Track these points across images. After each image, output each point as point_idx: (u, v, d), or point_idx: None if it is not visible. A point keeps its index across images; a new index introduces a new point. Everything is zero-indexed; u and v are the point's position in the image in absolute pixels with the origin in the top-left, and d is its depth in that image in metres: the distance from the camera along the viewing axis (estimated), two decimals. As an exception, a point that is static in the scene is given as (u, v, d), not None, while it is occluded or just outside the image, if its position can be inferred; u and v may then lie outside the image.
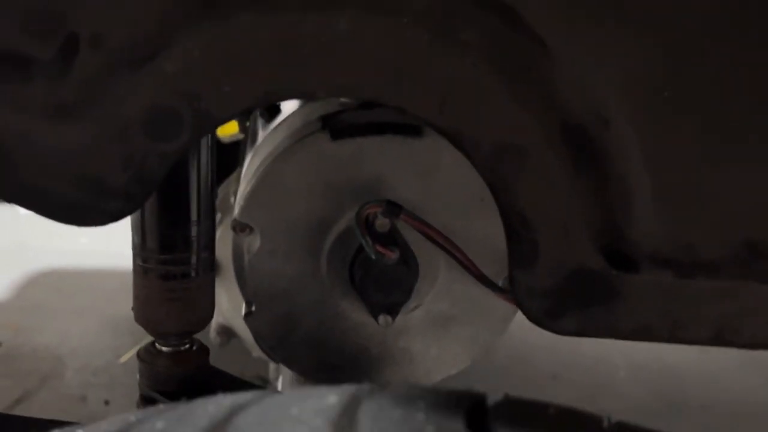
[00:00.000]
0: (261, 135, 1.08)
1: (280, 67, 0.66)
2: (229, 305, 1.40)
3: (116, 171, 0.68)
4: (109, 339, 1.98)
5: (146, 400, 0.84)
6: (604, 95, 0.67)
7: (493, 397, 0.42)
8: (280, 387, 1.14)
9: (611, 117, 0.68)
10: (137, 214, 0.79)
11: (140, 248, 0.80)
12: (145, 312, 0.83)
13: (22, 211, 2.36)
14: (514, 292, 0.78)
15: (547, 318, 0.77)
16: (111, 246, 2.53)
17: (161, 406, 0.45)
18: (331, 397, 0.40)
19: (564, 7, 0.64)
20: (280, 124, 0.99)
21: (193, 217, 0.79)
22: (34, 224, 2.88)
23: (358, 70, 0.67)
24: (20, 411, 1.67)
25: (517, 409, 0.42)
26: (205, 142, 0.79)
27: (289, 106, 1.04)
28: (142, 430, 0.40)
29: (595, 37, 0.65)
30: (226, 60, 0.66)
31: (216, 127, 0.70)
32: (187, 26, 0.65)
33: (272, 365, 1.47)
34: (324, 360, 0.97)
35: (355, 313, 0.94)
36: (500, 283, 0.93)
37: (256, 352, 1.44)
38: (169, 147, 0.68)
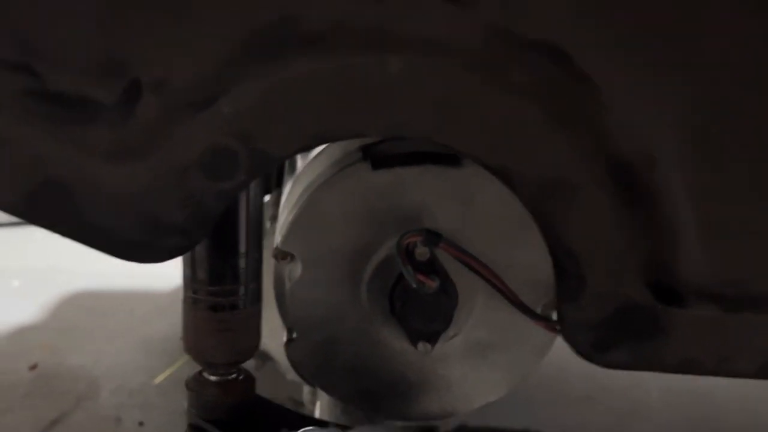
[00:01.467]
0: (300, 163, 1.10)
1: (333, 109, 0.68)
2: (265, 330, 1.41)
3: (175, 210, 0.70)
4: (143, 360, 1.99)
5: (194, 429, 0.85)
6: (652, 135, 0.68)
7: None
8: (317, 412, 1.15)
9: (659, 156, 0.69)
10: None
11: (190, 280, 0.82)
12: (194, 342, 0.84)
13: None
14: (561, 326, 0.78)
15: (594, 351, 0.77)
16: (143, 268, 2.56)
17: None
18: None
19: (615, 49, 0.65)
20: (320, 153, 1.01)
21: (242, 249, 0.81)
22: (67, 246, 2.91)
23: (409, 111, 0.69)
24: (56, 431, 1.69)
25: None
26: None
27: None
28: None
29: (645, 78, 0.66)
30: (281, 103, 0.67)
31: (272, 166, 0.72)
32: (245, 71, 0.67)
33: (306, 388, 1.48)
34: (363, 387, 0.98)
35: (395, 340, 0.95)
36: (539, 311, 0.93)
37: (291, 375, 1.45)
38: (226, 186, 0.70)
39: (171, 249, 0.72)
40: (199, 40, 0.65)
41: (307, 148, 0.73)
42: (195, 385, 0.85)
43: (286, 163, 1.24)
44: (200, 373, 0.86)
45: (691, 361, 0.76)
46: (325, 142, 0.73)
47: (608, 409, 1.91)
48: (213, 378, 0.85)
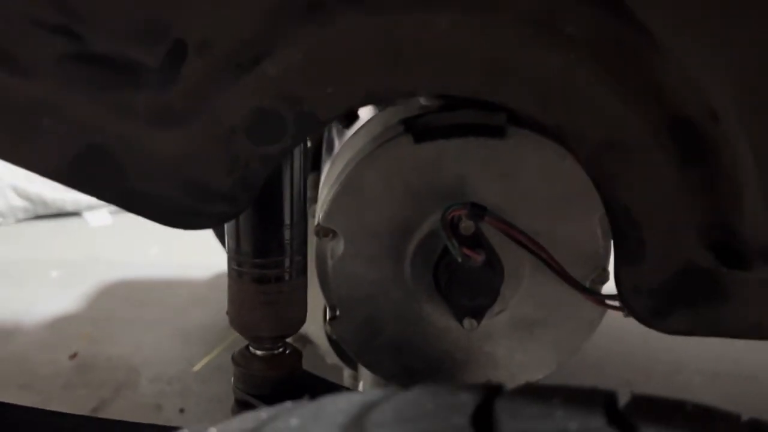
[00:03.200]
0: (338, 142, 1.08)
1: (381, 67, 0.66)
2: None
3: (221, 175, 0.69)
4: (182, 348, 2.00)
5: (240, 404, 0.84)
6: (713, 88, 0.66)
7: (623, 395, 0.41)
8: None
9: (720, 111, 0.66)
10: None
11: (235, 252, 0.81)
12: (240, 316, 0.83)
13: (94, 225, 2.43)
14: (619, 291, 0.76)
15: (654, 317, 0.75)
16: (180, 257, 2.58)
17: (289, 404, 0.45)
18: (464, 394, 0.40)
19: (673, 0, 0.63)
20: (359, 129, 0.99)
21: (287, 220, 0.80)
22: (105, 237, 2.94)
23: (459, 68, 0.67)
24: (98, 420, 1.70)
25: (654, 406, 0.41)
26: (298, 146, 0.79)
27: (366, 112, 1.05)
28: (277, 428, 0.40)
29: (705, 30, 0.64)
30: (328, 62, 0.66)
31: (319, 128, 0.71)
32: (290, 30, 0.65)
33: (347, 372, 1.47)
34: (407, 365, 0.97)
35: (439, 317, 0.94)
36: (587, 285, 0.91)
37: (331, 358, 1.44)
38: (273, 150, 0.68)
39: (217, 215, 0.71)
40: None
41: (355, 109, 0.71)
42: (241, 359, 0.85)
43: (324, 144, 1.23)
44: (246, 347, 0.86)
45: (756, 326, 0.73)
46: (373, 103, 0.71)
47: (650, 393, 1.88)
48: (259, 352, 0.84)
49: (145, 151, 0.68)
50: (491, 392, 0.41)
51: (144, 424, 0.83)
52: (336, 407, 0.41)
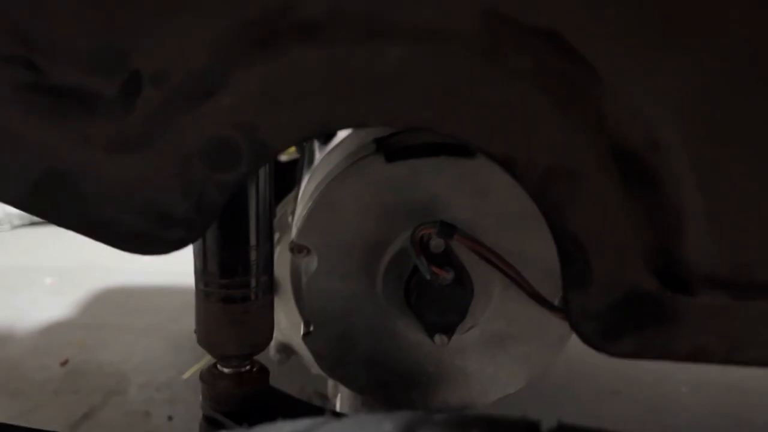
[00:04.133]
0: (317, 156, 1.10)
1: (333, 98, 0.68)
2: (287, 323, 1.42)
3: (177, 201, 0.70)
4: (172, 356, 2.02)
5: (208, 421, 0.86)
6: (654, 119, 0.67)
7: (547, 424, 0.42)
8: (338, 404, 1.16)
9: (663, 141, 0.68)
10: (198, 240, 0.81)
11: (202, 273, 0.82)
12: (207, 335, 0.85)
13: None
14: (568, 314, 0.77)
15: (601, 340, 0.76)
16: (173, 265, 2.59)
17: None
18: (387, 424, 0.41)
19: (613, 32, 0.64)
20: (335, 146, 1.01)
21: (252, 241, 0.81)
22: (98, 244, 2.96)
23: (408, 100, 0.68)
24: (86, 426, 1.72)
25: (572, 437, 0.42)
26: (263, 168, 0.80)
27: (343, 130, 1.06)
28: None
29: (646, 62, 0.65)
30: (281, 92, 0.67)
31: (273, 157, 0.72)
32: (243, 62, 0.67)
33: (331, 382, 1.48)
34: (381, 379, 0.98)
35: (412, 332, 0.95)
36: (556, 302, 0.93)
37: (315, 369, 1.46)
38: (228, 177, 0.70)
39: (175, 241, 0.72)
40: (197, 30, 0.65)
41: (309, 138, 0.72)
42: (209, 377, 0.86)
43: (306, 158, 1.24)
44: (214, 365, 0.87)
45: (701, 350, 0.74)
46: (326, 132, 0.73)
47: (637, 404, 1.89)
48: (226, 370, 0.86)
49: (103, 178, 0.70)
50: (414, 422, 0.42)
51: None
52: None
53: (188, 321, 2.28)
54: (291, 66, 0.67)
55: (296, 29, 0.66)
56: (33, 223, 3.06)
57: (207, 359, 1.66)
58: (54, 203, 0.70)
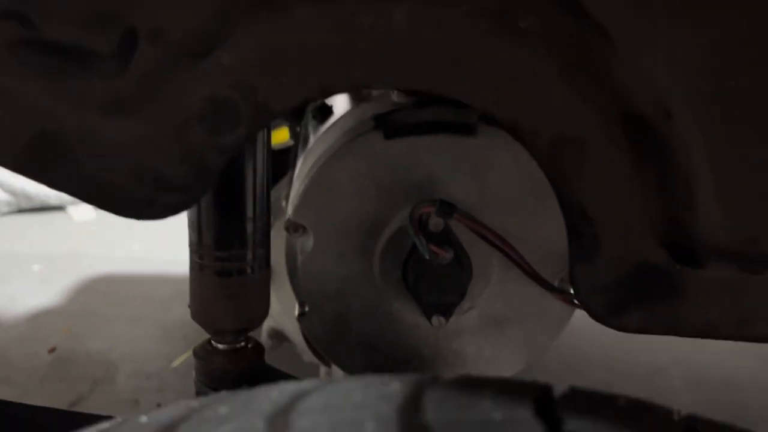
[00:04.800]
0: (312, 138, 1.08)
1: (336, 59, 0.66)
2: (280, 309, 1.41)
3: (174, 164, 0.69)
4: (161, 345, 2.00)
5: (202, 398, 0.84)
6: (667, 86, 0.66)
7: (559, 388, 0.41)
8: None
9: (674, 108, 0.66)
10: (194, 211, 0.79)
11: (197, 245, 0.80)
12: (201, 309, 0.83)
13: (76, 219, 2.42)
14: (575, 288, 0.76)
15: (608, 314, 0.75)
16: (163, 253, 2.57)
17: (223, 393, 0.45)
18: (395, 384, 0.40)
19: None
20: (332, 124, 0.99)
21: (249, 214, 0.79)
22: (88, 232, 2.94)
23: (414, 62, 0.67)
24: (74, 414, 1.69)
25: (586, 399, 0.40)
26: (260, 140, 0.79)
27: (341, 107, 1.04)
28: (205, 416, 0.40)
29: (660, 29, 0.64)
30: (282, 52, 0.66)
31: (273, 118, 0.70)
32: (244, 19, 0.65)
33: (323, 369, 1.47)
34: (376, 361, 0.97)
35: (408, 314, 0.93)
36: (555, 284, 0.91)
37: (307, 355, 1.44)
38: (227, 140, 0.68)
39: (171, 205, 0.70)
40: None
41: (310, 100, 0.71)
42: (203, 353, 0.84)
43: (300, 140, 1.23)
44: (208, 341, 0.85)
45: (709, 324, 0.73)
46: (328, 95, 0.71)
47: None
48: (221, 346, 0.84)
49: (98, 139, 0.68)
50: (423, 383, 0.41)
51: (74, 412, 0.82)
52: (267, 396, 0.41)
53: (177, 310, 2.26)
54: (294, 25, 0.65)
55: None
56: (21, 210, 3.03)
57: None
58: (47, 165, 0.69)
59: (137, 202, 0.70)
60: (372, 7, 0.65)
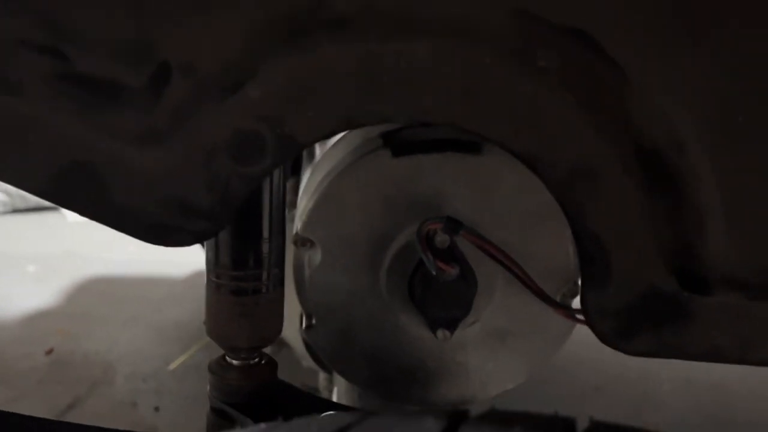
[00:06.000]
0: (319, 152, 1.10)
1: (361, 94, 0.68)
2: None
3: (201, 193, 0.70)
4: (158, 346, 2.01)
5: (216, 412, 0.85)
6: (679, 120, 0.68)
7: (582, 422, 0.43)
8: (334, 398, 1.16)
9: (686, 141, 0.69)
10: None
11: (213, 264, 0.82)
12: (217, 327, 0.84)
13: (71, 220, 2.42)
14: (585, 312, 0.78)
15: (617, 338, 0.77)
16: (158, 255, 2.58)
17: (262, 425, 0.47)
18: (429, 420, 0.42)
19: (641, 33, 0.65)
20: (339, 140, 1.01)
21: (265, 234, 0.81)
22: (83, 233, 2.94)
23: (436, 97, 0.68)
24: (72, 416, 1.70)
25: (609, 432, 0.42)
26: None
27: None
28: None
29: (671, 63, 0.66)
30: (309, 87, 0.67)
31: (299, 151, 0.72)
32: (273, 55, 0.66)
33: (322, 375, 1.49)
34: (381, 373, 0.99)
35: (413, 327, 0.95)
36: (558, 299, 0.94)
37: (306, 361, 1.46)
38: (253, 170, 0.70)
39: (198, 233, 0.72)
40: (227, 22, 0.65)
41: (334, 133, 0.72)
42: (217, 369, 0.86)
43: (305, 151, 1.24)
44: (223, 357, 0.87)
45: (715, 349, 0.76)
46: (352, 128, 0.73)
47: (619, 400, 1.91)
48: (235, 362, 0.85)
49: (128, 169, 0.69)
50: (456, 418, 0.43)
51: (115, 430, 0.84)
52: (308, 430, 0.43)
53: (172, 311, 2.28)
54: (320, 60, 0.67)
55: (327, 24, 0.66)
56: (15, 210, 3.03)
57: (194, 350, 1.65)
58: (77, 193, 0.70)
59: (165, 229, 0.72)
60: (395, 42, 0.66)
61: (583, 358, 2.00)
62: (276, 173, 0.81)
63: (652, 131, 0.69)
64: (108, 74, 0.66)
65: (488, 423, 0.42)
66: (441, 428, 0.41)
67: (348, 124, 0.70)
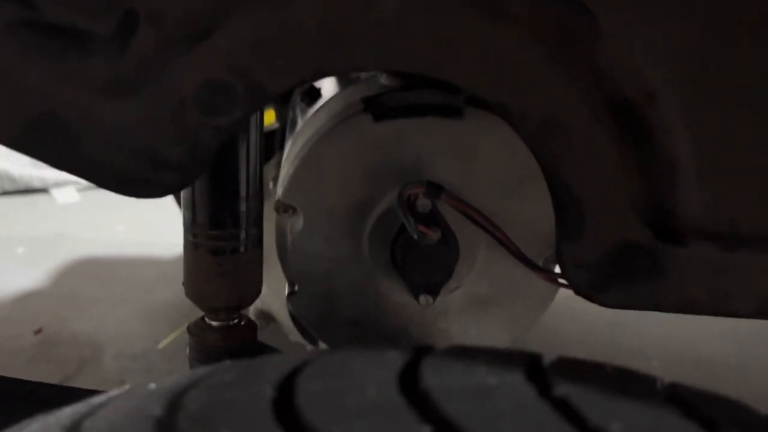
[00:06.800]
0: (300, 119, 1.10)
1: (331, 42, 0.68)
2: (267, 290, 1.42)
3: (170, 145, 0.70)
4: (147, 326, 2.00)
5: (195, 374, 0.85)
6: (650, 69, 0.68)
7: (548, 357, 0.43)
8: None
9: (657, 91, 0.68)
10: (188, 190, 0.81)
11: (191, 224, 0.82)
12: (195, 286, 0.84)
13: (60, 201, 2.41)
14: (561, 266, 0.78)
15: (593, 291, 0.78)
16: (147, 236, 2.57)
17: (227, 362, 0.47)
18: (392, 353, 0.42)
19: None
20: (321, 107, 1.01)
21: (242, 193, 0.81)
22: (72, 214, 2.92)
23: (406, 45, 0.68)
24: (61, 395, 1.70)
25: (574, 367, 0.42)
26: (254, 121, 0.80)
27: (329, 90, 1.06)
28: (212, 383, 0.42)
29: (645, 14, 0.66)
30: (278, 36, 0.67)
31: (268, 101, 0.72)
32: (240, 3, 0.66)
33: (309, 348, 1.49)
34: (363, 339, 0.99)
35: (396, 293, 0.95)
36: (540, 264, 0.94)
37: (293, 336, 1.46)
38: (222, 121, 0.69)
39: (167, 185, 0.72)
40: None
41: (304, 82, 0.72)
42: (196, 330, 0.86)
43: (288, 123, 1.24)
44: (202, 318, 0.87)
45: (689, 301, 0.76)
46: (323, 77, 0.72)
47: (609, 377, 1.92)
48: (214, 323, 0.85)
49: (97, 120, 0.69)
50: (419, 352, 0.43)
51: (103, 391, 0.84)
52: (271, 364, 0.43)
53: (162, 292, 2.27)
54: (288, 7, 0.66)
55: None
56: (4, 193, 3.02)
57: (183, 329, 1.64)
58: (47, 144, 0.70)
59: (135, 181, 0.71)
60: None
61: (573, 337, 2.01)
62: (252, 131, 0.80)
63: (624, 82, 0.69)
64: (74, 23, 0.66)
65: (451, 355, 0.42)
66: (404, 362, 0.41)
67: (318, 74, 0.70)
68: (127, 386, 0.47)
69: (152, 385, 0.43)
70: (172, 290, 2.18)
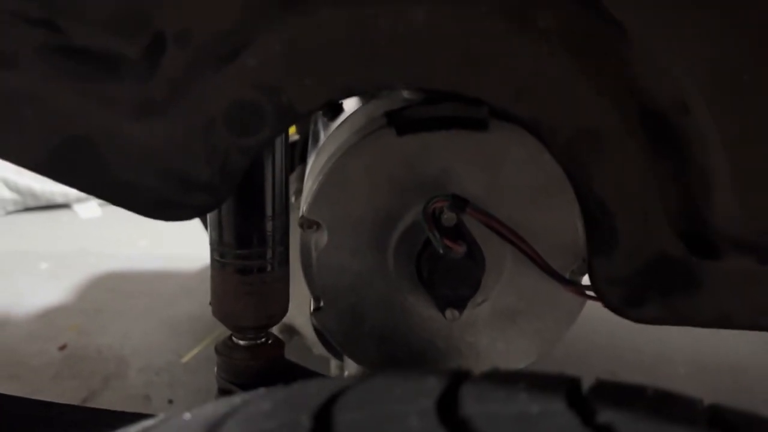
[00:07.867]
0: (323, 134, 1.09)
1: (359, 60, 0.67)
2: (291, 304, 1.42)
3: (200, 165, 0.70)
4: (170, 340, 2.01)
5: (224, 393, 0.85)
6: (683, 81, 0.67)
7: (587, 380, 0.42)
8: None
9: (691, 103, 0.67)
10: (215, 210, 0.81)
11: (217, 243, 0.82)
12: (222, 306, 0.84)
13: (83, 217, 2.43)
14: (592, 280, 0.77)
15: (626, 306, 0.76)
16: (168, 249, 2.59)
17: (262, 390, 0.46)
18: (431, 379, 0.41)
19: None
20: (344, 121, 1.00)
21: (269, 212, 0.81)
22: (94, 229, 2.94)
23: (434, 61, 0.68)
24: (87, 410, 1.70)
25: (614, 390, 0.42)
26: (279, 140, 0.80)
27: (351, 104, 1.06)
28: (249, 413, 0.41)
29: (675, 22, 0.65)
30: (306, 54, 0.67)
31: (297, 120, 0.71)
32: (268, 22, 0.66)
33: (333, 362, 1.48)
34: (390, 354, 0.98)
35: (422, 307, 0.95)
36: (567, 276, 0.93)
37: (317, 349, 1.46)
38: (252, 141, 0.69)
39: (198, 206, 0.71)
40: None
41: (333, 102, 0.72)
42: (224, 349, 0.86)
43: (310, 137, 1.24)
44: (230, 337, 0.86)
45: (726, 315, 0.75)
46: (351, 95, 0.72)
47: (635, 385, 1.90)
48: (242, 342, 0.85)
49: (126, 142, 0.69)
50: (458, 377, 0.42)
51: (126, 412, 0.84)
52: (308, 392, 0.42)
53: (185, 305, 2.28)
54: (316, 26, 0.66)
55: None
56: (27, 209, 3.04)
57: (206, 343, 1.65)
58: (75, 168, 0.70)
59: (165, 203, 0.71)
60: (392, 7, 0.66)
61: (598, 343, 1.99)
62: (278, 150, 0.80)
63: (656, 92, 0.68)
64: (103, 46, 0.66)
65: (490, 381, 0.41)
66: (443, 387, 0.41)
67: (347, 92, 0.69)
68: (161, 416, 0.47)
69: (187, 415, 0.43)
70: (194, 303, 2.19)
